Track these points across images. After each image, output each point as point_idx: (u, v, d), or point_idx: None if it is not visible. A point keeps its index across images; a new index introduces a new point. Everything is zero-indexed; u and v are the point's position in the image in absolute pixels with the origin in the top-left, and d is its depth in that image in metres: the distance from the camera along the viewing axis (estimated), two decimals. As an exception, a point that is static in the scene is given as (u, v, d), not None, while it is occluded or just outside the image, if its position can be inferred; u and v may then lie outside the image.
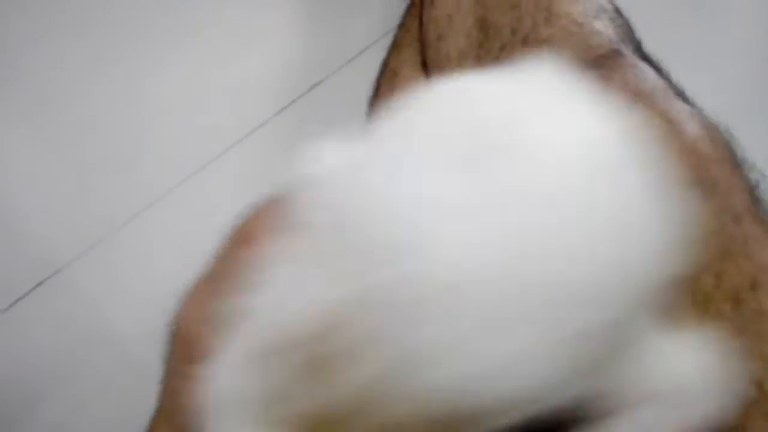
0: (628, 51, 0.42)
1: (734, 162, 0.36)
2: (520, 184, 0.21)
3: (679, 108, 0.36)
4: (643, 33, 0.46)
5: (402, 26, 0.55)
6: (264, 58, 0.69)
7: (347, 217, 0.21)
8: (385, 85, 0.54)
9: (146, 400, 0.52)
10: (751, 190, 0.35)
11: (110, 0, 0.70)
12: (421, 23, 0.53)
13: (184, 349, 0.32)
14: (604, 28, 0.43)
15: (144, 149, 0.65)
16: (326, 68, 0.66)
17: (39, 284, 0.60)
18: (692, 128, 0.35)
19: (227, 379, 0.24)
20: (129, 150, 0.65)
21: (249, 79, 0.68)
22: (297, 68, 0.68)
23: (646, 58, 0.43)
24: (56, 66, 0.67)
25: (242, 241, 0.28)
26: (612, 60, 0.40)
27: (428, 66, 0.52)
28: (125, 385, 0.57)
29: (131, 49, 0.69)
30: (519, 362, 0.20)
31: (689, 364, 0.24)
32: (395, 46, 0.55)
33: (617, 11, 0.46)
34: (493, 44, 0.45)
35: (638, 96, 0.36)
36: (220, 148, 0.65)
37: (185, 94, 0.68)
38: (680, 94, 0.39)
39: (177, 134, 0.66)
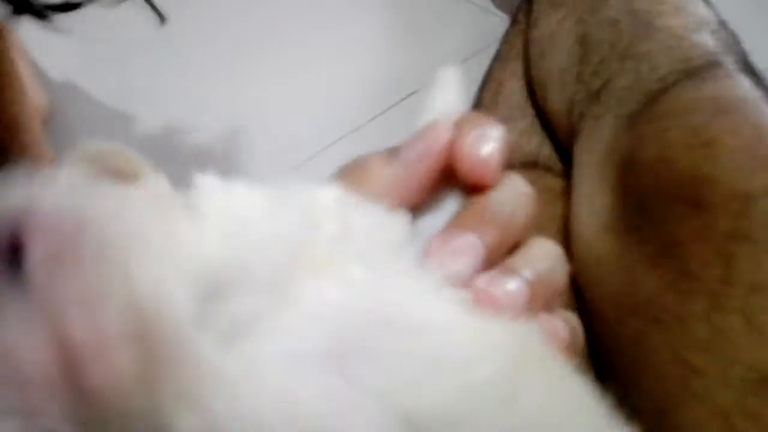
0: (727, 62, 0.42)
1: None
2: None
3: (770, 114, 0.37)
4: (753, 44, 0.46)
5: (506, 41, 0.57)
6: (359, 66, 0.72)
7: None
8: (489, 96, 0.56)
9: None
10: None
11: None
12: (526, 41, 0.55)
13: None
14: (703, 41, 0.43)
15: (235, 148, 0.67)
16: (421, 79, 0.69)
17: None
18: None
19: None
20: (218, 146, 0.67)
21: (343, 84, 0.71)
22: (391, 77, 0.71)
23: (749, 69, 0.43)
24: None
25: None
26: (707, 71, 0.40)
27: (531, 82, 0.54)
28: None
29: (232, 50, 0.73)
30: None
31: None
32: (500, 59, 0.57)
33: (721, 24, 0.46)
34: (592, 58, 0.46)
35: (725, 106, 0.37)
36: (311, 152, 0.67)
37: (280, 95, 0.70)
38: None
39: (269, 135, 0.68)
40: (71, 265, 0.16)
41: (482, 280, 0.21)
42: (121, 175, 0.19)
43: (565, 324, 0.24)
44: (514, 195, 0.24)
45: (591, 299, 0.39)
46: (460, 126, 0.24)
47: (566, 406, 0.22)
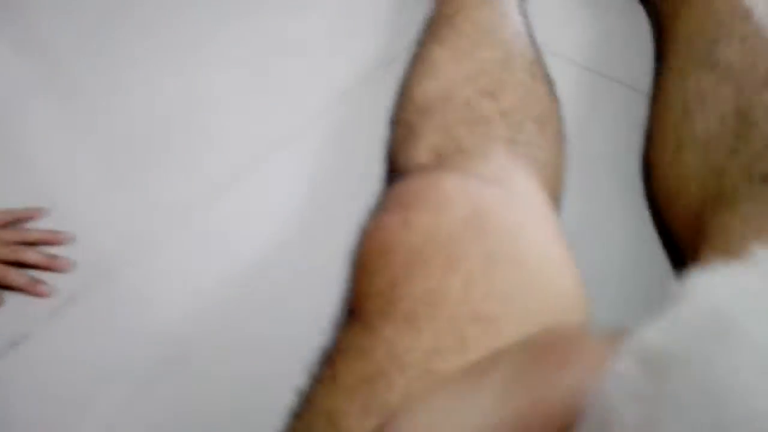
0: None
1: None
2: None
3: None
4: None
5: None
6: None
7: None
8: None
9: (195, 397, 0.50)
10: None
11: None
12: (658, 86, 0.55)
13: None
14: None
15: (196, 144, 0.62)
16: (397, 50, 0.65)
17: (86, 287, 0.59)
18: None
19: None
20: (182, 145, 0.62)
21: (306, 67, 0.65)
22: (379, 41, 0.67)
23: None
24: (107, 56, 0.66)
25: None
26: None
27: (657, 134, 0.53)
28: (173, 382, 0.52)
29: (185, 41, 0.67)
30: None
31: None
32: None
33: None
34: (756, 139, 0.45)
35: None
36: (277, 140, 0.61)
37: (243, 84, 0.65)
38: None
39: (234, 123, 0.63)
40: None
41: None
42: None
43: None
44: None
45: None
46: None
47: None
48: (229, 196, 0.60)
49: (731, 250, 0.43)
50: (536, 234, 0.42)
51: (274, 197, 0.59)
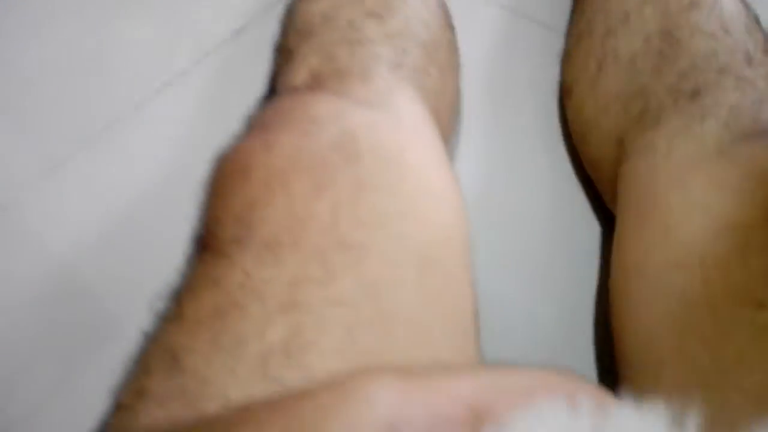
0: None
1: None
2: None
3: None
4: None
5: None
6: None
7: None
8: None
9: (97, 331, 0.47)
10: None
11: None
12: (579, 8, 0.53)
13: None
14: None
15: (88, 77, 0.59)
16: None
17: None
18: None
19: None
20: (71, 77, 0.59)
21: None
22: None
23: None
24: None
25: None
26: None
27: (577, 56, 0.52)
28: (75, 319, 0.50)
29: None
30: None
31: None
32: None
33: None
34: (681, 60, 0.44)
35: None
36: (167, 77, 0.58)
37: (133, 23, 0.62)
38: None
39: (126, 59, 0.60)
40: None
41: None
42: None
43: None
44: None
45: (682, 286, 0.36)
46: None
47: None
48: (121, 133, 0.57)
49: (655, 169, 0.41)
50: (415, 160, 0.39)
51: (162, 137, 0.56)
